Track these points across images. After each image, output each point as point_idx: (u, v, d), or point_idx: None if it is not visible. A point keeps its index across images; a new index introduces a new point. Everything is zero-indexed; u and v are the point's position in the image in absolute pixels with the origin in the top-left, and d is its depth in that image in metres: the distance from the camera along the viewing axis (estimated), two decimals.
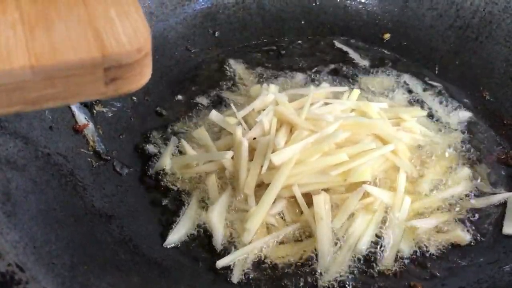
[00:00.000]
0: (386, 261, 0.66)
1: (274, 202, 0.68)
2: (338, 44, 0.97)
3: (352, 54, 0.96)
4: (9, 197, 0.57)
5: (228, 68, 0.92)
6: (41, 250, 0.54)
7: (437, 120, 0.83)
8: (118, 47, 0.35)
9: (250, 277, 0.64)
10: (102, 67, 0.36)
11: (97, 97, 0.38)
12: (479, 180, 0.75)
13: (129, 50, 0.36)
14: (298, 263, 0.65)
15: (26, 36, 0.35)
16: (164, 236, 0.68)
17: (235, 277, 0.64)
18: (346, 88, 0.85)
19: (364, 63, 0.93)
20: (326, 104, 0.79)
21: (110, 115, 0.80)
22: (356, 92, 0.82)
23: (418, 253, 0.67)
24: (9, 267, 0.48)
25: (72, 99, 0.37)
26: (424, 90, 0.89)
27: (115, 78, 0.37)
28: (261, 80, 0.90)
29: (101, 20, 0.37)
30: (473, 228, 0.70)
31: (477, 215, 0.71)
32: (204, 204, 0.71)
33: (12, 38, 0.35)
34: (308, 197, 0.68)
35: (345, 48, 0.97)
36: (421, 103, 0.86)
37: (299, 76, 0.91)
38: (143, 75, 0.38)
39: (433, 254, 0.67)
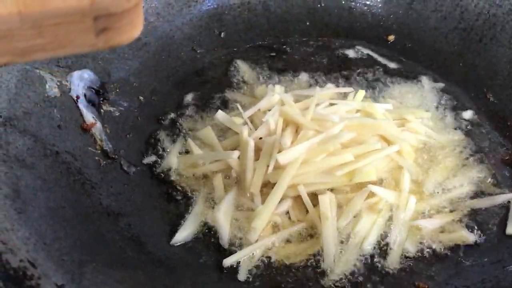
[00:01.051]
0: (391, 260, 0.66)
1: (280, 201, 0.68)
2: (360, 48, 0.98)
3: (378, 57, 0.96)
4: (19, 194, 0.58)
5: (233, 69, 0.93)
6: (51, 247, 0.55)
7: (441, 121, 0.84)
8: None
9: (256, 276, 0.65)
10: (91, 15, 0.35)
11: (88, 49, 0.38)
12: (483, 181, 0.76)
13: None
14: (304, 262, 0.66)
15: None
16: (171, 235, 0.69)
17: (241, 276, 0.65)
18: (351, 89, 0.86)
19: (392, 66, 0.94)
20: (331, 104, 0.79)
21: (117, 114, 0.81)
22: (361, 93, 0.82)
23: (422, 253, 0.67)
24: (21, 263, 0.49)
25: (62, 50, 0.37)
26: (428, 91, 0.89)
27: (105, 28, 0.37)
28: (267, 80, 0.90)
29: None
30: (477, 228, 0.70)
31: (481, 216, 0.72)
32: (211, 203, 0.72)
33: None
34: (314, 197, 0.69)
35: (366, 51, 0.97)
36: (425, 104, 0.87)
37: (304, 77, 0.91)
38: (134, 26, 0.38)
39: (437, 254, 0.67)
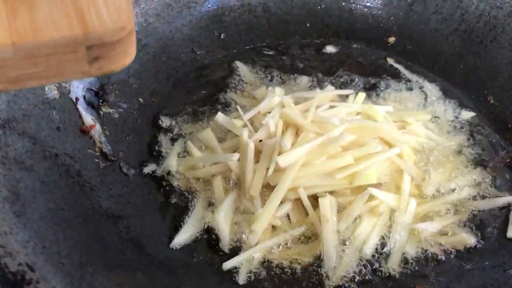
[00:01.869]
0: (392, 263, 0.66)
1: (280, 204, 0.68)
2: (360, 50, 0.98)
3: (378, 59, 0.96)
4: (18, 197, 0.57)
5: (233, 70, 0.92)
6: (50, 250, 0.55)
7: (441, 124, 0.84)
8: (100, 26, 0.36)
9: (256, 279, 0.65)
10: (84, 45, 0.36)
11: (81, 76, 0.38)
12: (483, 184, 0.75)
13: (111, 28, 0.36)
14: (304, 265, 0.66)
15: (8, 14, 0.35)
16: (170, 237, 0.69)
17: (241, 279, 0.64)
18: (351, 91, 0.85)
19: (393, 67, 0.94)
20: (332, 107, 0.79)
21: (116, 116, 0.81)
22: (362, 95, 0.82)
23: (423, 256, 0.67)
24: (19, 266, 0.48)
25: (55, 78, 0.38)
26: (429, 93, 0.89)
27: (98, 56, 0.37)
28: (267, 82, 0.90)
29: None
30: (478, 231, 0.70)
31: (481, 219, 0.72)
32: (211, 206, 0.71)
33: None
34: (314, 200, 0.69)
35: (366, 53, 0.97)
36: (425, 106, 0.86)
37: (304, 79, 0.91)
38: (127, 54, 0.39)
39: (438, 257, 0.67)
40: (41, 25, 0.35)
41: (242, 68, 0.93)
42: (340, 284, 0.64)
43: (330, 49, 0.98)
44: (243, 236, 0.68)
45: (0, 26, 0.34)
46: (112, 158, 0.75)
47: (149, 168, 0.77)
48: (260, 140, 0.74)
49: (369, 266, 0.66)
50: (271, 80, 0.90)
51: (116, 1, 0.37)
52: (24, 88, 0.38)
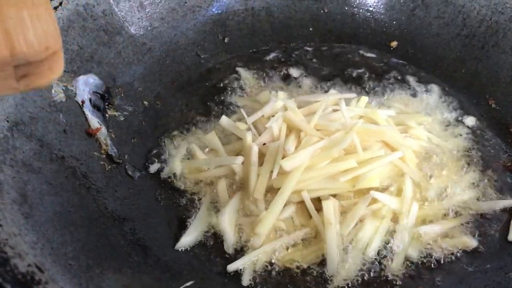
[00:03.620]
0: (394, 266, 0.66)
1: (283, 206, 0.68)
2: (363, 54, 0.99)
3: (380, 64, 0.97)
4: (26, 198, 0.58)
5: (237, 74, 0.93)
6: (58, 251, 0.55)
7: (443, 128, 0.84)
8: (27, 47, 0.37)
9: (260, 281, 0.65)
10: (12, 65, 0.38)
11: (10, 92, 0.41)
12: (485, 187, 0.76)
13: (37, 49, 0.38)
14: (307, 267, 0.66)
15: None
16: (175, 239, 0.69)
17: (245, 281, 0.65)
18: (354, 94, 0.86)
19: (395, 72, 0.95)
20: (335, 110, 0.79)
21: (122, 119, 0.81)
22: (364, 99, 0.83)
23: (425, 259, 0.68)
24: (29, 267, 0.49)
25: None
26: (431, 97, 0.90)
27: (25, 74, 0.39)
28: (270, 86, 0.91)
29: (12, 21, 0.38)
30: (479, 234, 0.71)
31: (483, 222, 0.72)
32: (215, 208, 0.72)
33: None
34: (317, 202, 0.69)
35: (369, 58, 0.98)
36: (427, 110, 0.87)
37: (307, 83, 0.92)
38: (53, 71, 0.41)
39: (440, 260, 0.68)
40: None
41: (245, 72, 0.93)
42: (343, 286, 0.64)
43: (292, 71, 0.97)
44: (247, 238, 0.69)
45: None
46: (118, 161, 0.76)
47: (154, 167, 0.78)
48: (264, 144, 0.74)
49: (372, 269, 0.66)
50: (274, 84, 0.91)
51: (44, 24, 0.39)
52: None
